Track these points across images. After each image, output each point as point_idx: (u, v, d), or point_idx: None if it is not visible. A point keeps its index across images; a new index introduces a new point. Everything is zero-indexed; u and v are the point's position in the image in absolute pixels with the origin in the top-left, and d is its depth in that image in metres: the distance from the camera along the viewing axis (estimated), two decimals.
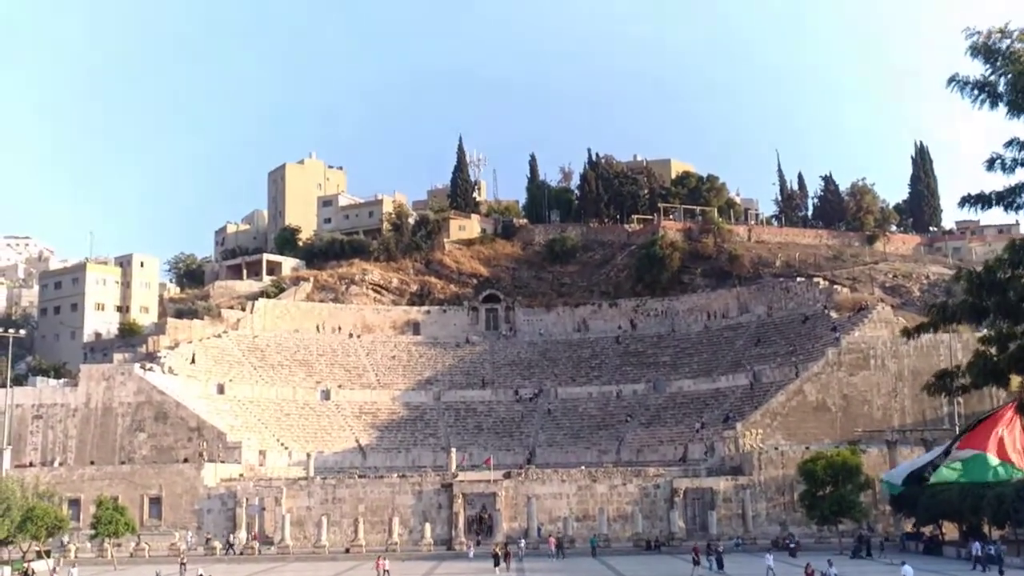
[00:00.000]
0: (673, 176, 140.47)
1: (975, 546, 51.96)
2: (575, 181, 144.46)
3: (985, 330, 26.66)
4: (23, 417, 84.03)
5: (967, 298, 23.90)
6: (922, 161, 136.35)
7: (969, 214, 44.28)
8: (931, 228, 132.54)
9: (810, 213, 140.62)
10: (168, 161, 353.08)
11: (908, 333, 26.29)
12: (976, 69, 22.80)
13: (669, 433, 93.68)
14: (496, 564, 52.95)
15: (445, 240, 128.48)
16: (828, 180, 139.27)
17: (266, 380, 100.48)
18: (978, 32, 23.02)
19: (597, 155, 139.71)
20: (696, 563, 49.45)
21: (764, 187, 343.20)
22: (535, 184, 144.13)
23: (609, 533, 69.44)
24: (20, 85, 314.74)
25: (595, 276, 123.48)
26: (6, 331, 78.11)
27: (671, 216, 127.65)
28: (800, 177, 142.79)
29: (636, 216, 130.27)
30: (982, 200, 23.18)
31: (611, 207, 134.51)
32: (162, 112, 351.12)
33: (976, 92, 22.52)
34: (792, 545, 62.77)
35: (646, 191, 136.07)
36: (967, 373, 24.20)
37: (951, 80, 22.67)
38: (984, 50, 22.72)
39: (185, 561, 45.19)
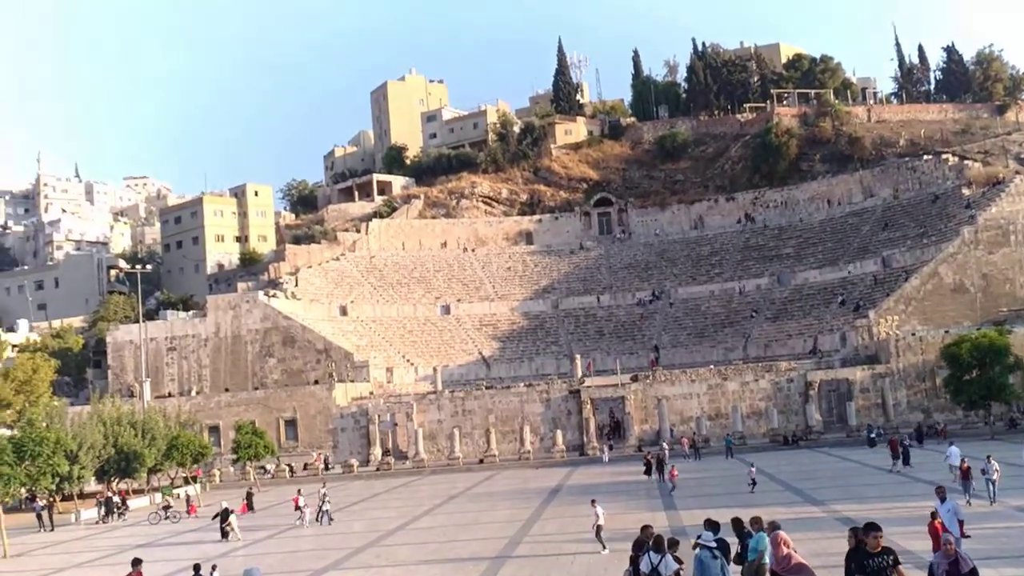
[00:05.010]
0: (784, 60, 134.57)
1: None
2: (681, 74, 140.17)
3: None
4: (158, 350, 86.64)
5: None
6: None
7: None
8: None
9: (933, 87, 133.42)
10: (274, 91, 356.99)
11: None
12: None
13: (797, 326, 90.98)
14: (648, 472, 50.80)
15: (552, 146, 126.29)
16: (951, 51, 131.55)
17: (386, 299, 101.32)
18: None
19: (703, 44, 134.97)
20: (896, 457, 45.21)
21: (881, 65, 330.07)
22: (640, 80, 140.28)
23: (744, 431, 68.07)
24: (136, 47, 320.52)
25: (709, 171, 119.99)
26: (134, 267, 79.89)
27: (784, 102, 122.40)
28: (920, 50, 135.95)
29: (748, 105, 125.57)
30: None
31: (721, 97, 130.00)
32: (258, 43, 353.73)
33: None
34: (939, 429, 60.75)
35: (756, 78, 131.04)
36: None
37: None
38: None
39: (254, 490, 45.67)
